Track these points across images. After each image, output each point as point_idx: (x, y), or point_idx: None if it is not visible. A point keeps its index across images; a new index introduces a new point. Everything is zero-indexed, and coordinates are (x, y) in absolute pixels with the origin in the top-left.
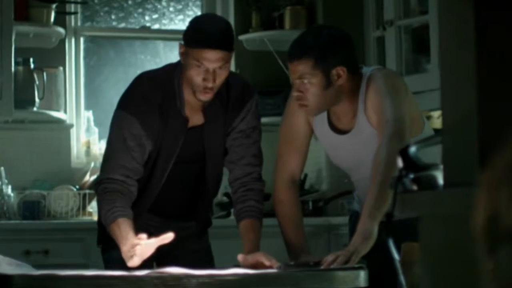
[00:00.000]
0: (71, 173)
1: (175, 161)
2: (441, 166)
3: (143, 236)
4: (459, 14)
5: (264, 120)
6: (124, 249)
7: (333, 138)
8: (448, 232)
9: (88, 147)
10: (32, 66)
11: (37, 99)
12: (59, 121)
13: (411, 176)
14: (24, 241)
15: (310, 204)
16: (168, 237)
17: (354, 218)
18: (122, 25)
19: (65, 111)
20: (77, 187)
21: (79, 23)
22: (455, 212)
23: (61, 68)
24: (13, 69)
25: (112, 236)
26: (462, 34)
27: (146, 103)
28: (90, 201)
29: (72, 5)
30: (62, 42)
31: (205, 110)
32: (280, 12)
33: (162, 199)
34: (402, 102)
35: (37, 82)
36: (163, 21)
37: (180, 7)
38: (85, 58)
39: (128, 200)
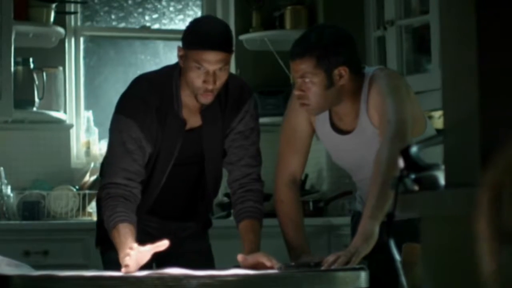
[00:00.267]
0: (71, 173)
1: (174, 163)
2: (443, 166)
3: (134, 245)
4: (460, 13)
5: (264, 120)
6: (121, 256)
7: (335, 138)
8: (449, 232)
9: (88, 147)
10: (31, 66)
11: (36, 99)
12: (59, 121)
13: (413, 176)
14: (23, 242)
15: (311, 204)
16: (163, 244)
17: (356, 218)
18: (122, 25)
19: (65, 111)
20: (77, 187)
21: (79, 23)
22: (456, 213)
23: (61, 68)
24: (12, 69)
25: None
26: (464, 33)
27: (144, 106)
28: (90, 202)
29: (72, 5)
30: (62, 42)
31: (203, 112)
32: (281, 12)
33: (161, 201)
34: (404, 102)
35: (36, 82)
36: (163, 21)
37: (180, 7)
38: (85, 58)
39: (131, 204)
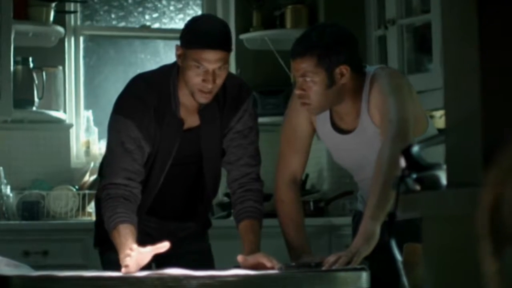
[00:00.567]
0: (71, 173)
1: (172, 163)
2: (444, 166)
3: (135, 246)
4: (462, 12)
5: (265, 120)
6: (121, 256)
7: (336, 138)
8: (451, 232)
9: (88, 147)
10: (31, 65)
11: (36, 99)
12: (59, 121)
13: (414, 176)
14: (23, 242)
15: (312, 204)
16: (164, 246)
17: (358, 218)
18: (122, 24)
19: (65, 111)
20: (77, 187)
21: (78, 22)
22: (458, 213)
23: (60, 68)
24: (12, 68)
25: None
26: (466, 32)
27: (142, 105)
28: (89, 202)
29: (72, 4)
30: (61, 41)
31: (201, 111)
32: (281, 11)
33: (160, 201)
34: (406, 102)
35: (36, 82)
36: (163, 20)
37: (180, 6)
38: (84, 57)
39: (132, 204)
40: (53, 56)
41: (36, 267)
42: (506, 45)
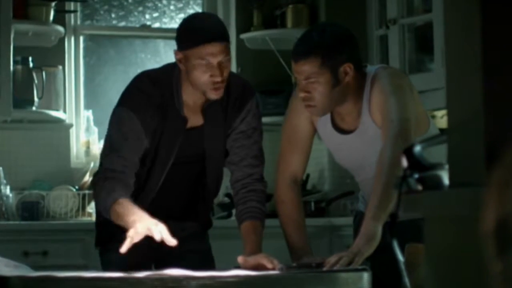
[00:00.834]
0: (71, 173)
1: (174, 161)
2: (447, 166)
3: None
4: (465, 10)
5: (266, 119)
6: (134, 218)
7: (337, 138)
8: (453, 233)
9: (88, 147)
10: (31, 65)
11: (36, 99)
12: (59, 121)
13: (416, 176)
14: (22, 242)
15: (312, 204)
16: (173, 241)
17: (359, 218)
18: (122, 23)
19: (65, 111)
20: (77, 187)
21: (78, 22)
22: (461, 213)
23: (60, 67)
24: (11, 68)
25: (113, 220)
26: (468, 31)
27: (146, 100)
28: (89, 202)
29: (72, 4)
30: (61, 41)
31: (204, 111)
32: (282, 10)
33: (161, 200)
34: (407, 102)
35: (36, 81)
36: (164, 20)
37: (180, 5)
38: (84, 57)
39: (128, 191)
40: (53, 56)
41: (36, 268)
42: (508, 45)
